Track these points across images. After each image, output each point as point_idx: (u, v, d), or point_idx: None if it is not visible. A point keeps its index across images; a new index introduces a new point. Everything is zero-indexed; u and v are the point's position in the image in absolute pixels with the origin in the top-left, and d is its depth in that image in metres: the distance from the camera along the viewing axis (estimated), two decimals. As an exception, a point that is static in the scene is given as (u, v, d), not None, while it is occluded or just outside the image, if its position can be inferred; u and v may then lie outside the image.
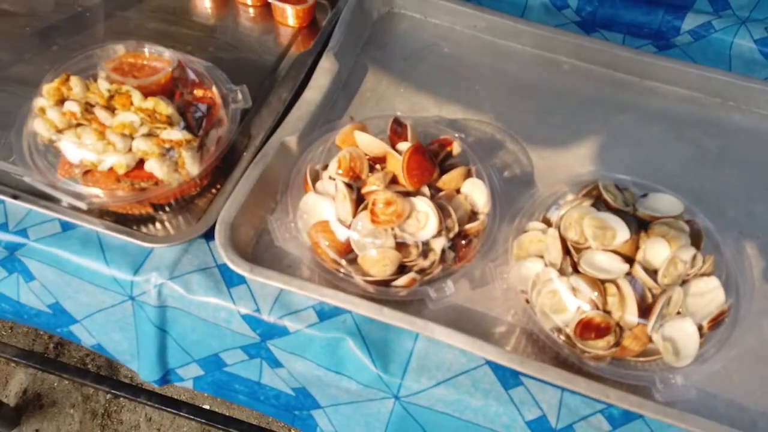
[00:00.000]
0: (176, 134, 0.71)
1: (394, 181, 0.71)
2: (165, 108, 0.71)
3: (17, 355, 1.39)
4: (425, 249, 0.68)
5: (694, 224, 0.71)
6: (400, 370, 0.68)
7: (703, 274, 0.67)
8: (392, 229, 0.68)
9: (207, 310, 0.71)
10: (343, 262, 0.69)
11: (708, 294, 0.66)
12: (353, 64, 0.94)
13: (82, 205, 0.71)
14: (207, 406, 1.60)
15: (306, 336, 0.70)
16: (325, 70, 0.87)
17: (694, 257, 0.67)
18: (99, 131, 0.71)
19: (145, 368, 0.80)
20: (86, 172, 0.74)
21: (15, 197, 0.73)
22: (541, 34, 0.98)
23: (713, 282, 0.67)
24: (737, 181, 0.88)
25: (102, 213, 0.75)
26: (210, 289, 0.71)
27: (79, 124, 0.73)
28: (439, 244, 0.68)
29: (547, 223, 0.73)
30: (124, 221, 0.75)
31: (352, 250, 0.69)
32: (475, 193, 0.73)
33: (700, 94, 0.97)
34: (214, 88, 0.79)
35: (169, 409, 1.31)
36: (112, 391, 1.33)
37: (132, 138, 0.72)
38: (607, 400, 0.63)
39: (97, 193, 0.72)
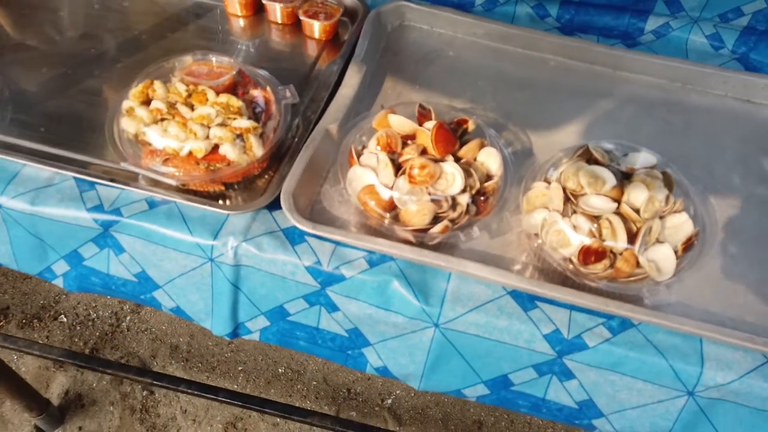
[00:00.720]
0: (245, 122, 0.88)
1: (424, 152, 0.88)
2: (236, 102, 0.88)
3: (63, 355, 1.52)
4: (453, 203, 0.85)
5: (667, 174, 0.89)
6: (439, 302, 0.84)
7: (675, 211, 0.85)
8: (426, 187, 0.84)
9: (275, 265, 0.87)
10: (388, 216, 0.85)
11: (680, 225, 0.83)
12: (375, 67, 1.12)
13: (172, 182, 0.86)
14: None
15: (359, 281, 0.85)
16: (355, 72, 1.04)
17: (668, 197, 0.84)
18: (182, 123, 0.87)
19: (218, 324, 0.94)
20: (166, 159, 0.90)
21: (112, 180, 0.89)
22: (530, 36, 1.17)
23: (684, 216, 0.84)
24: (699, 147, 1.06)
25: (181, 191, 0.90)
26: (278, 248, 0.86)
27: (163, 119, 0.89)
28: (464, 198, 0.85)
29: (548, 182, 0.90)
30: (201, 197, 0.90)
31: (394, 208, 0.85)
32: (489, 160, 0.90)
33: (664, 80, 1.16)
34: (268, 88, 0.96)
35: (207, 395, 1.44)
36: (154, 382, 1.46)
37: (209, 127, 0.88)
38: (606, 309, 0.79)
39: (179, 174, 0.87)
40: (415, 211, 0.82)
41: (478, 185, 0.86)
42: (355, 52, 1.08)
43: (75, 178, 0.92)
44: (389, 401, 1.74)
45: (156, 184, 0.91)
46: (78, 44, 1.13)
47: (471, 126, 0.94)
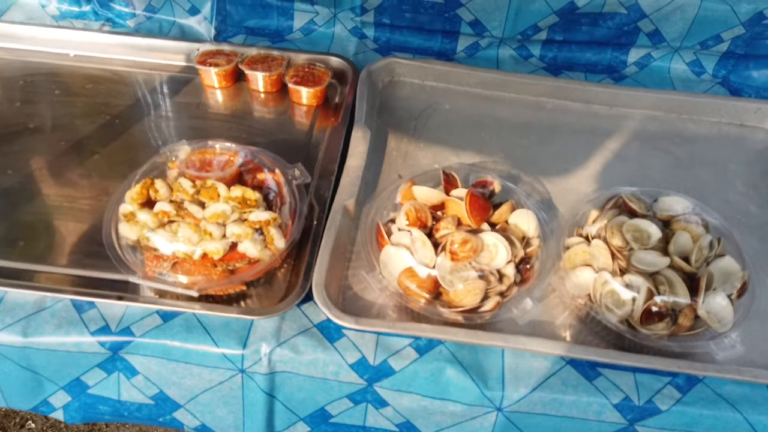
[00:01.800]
0: (263, 215, 0.80)
1: (459, 223, 0.83)
2: (252, 194, 0.80)
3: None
4: (500, 276, 0.80)
5: (701, 216, 0.87)
6: (499, 385, 0.78)
7: (718, 255, 0.83)
8: (470, 263, 0.79)
9: (316, 367, 0.78)
10: (430, 297, 0.79)
11: (726, 269, 0.81)
12: (375, 129, 1.06)
13: (193, 293, 0.77)
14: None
15: (410, 372, 0.78)
16: (360, 139, 0.98)
17: (711, 243, 0.82)
18: (194, 224, 0.78)
19: (252, 437, 0.85)
20: (174, 264, 0.81)
21: (120, 298, 0.78)
22: (522, 82, 1.15)
23: (728, 259, 0.82)
24: (710, 178, 1.06)
25: (195, 298, 0.81)
26: (316, 347, 0.78)
27: (171, 221, 0.80)
28: (510, 270, 0.80)
29: (584, 237, 0.87)
30: (218, 302, 0.81)
31: (437, 288, 0.79)
32: (523, 221, 0.85)
33: (659, 112, 1.16)
34: (277, 170, 0.88)
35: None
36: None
37: (224, 225, 0.79)
38: (678, 370, 0.75)
39: (198, 281, 0.78)
40: (465, 291, 0.77)
41: (522, 254, 0.81)
42: (355, 117, 1.02)
43: (70, 299, 0.81)
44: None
45: (164, 293, 0.81)
46: (45, 137, 1.02)
47: (497, 187, 0.89)
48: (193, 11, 1.28)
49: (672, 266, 0.80)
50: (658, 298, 0.77)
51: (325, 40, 1.28)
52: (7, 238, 0.88)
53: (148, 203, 0.82)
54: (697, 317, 0.78)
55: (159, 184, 0.81)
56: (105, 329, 0.79)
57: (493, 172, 0.92)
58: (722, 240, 0.84)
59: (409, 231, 0.82)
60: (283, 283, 0.85)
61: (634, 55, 1.28)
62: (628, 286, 0.79)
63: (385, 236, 0.83)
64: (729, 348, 0.76)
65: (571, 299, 0.84)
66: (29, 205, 0.92)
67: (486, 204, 0.84)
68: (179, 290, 0.77)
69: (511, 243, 0.81)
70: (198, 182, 0.81)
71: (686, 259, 0.80)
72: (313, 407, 0.83)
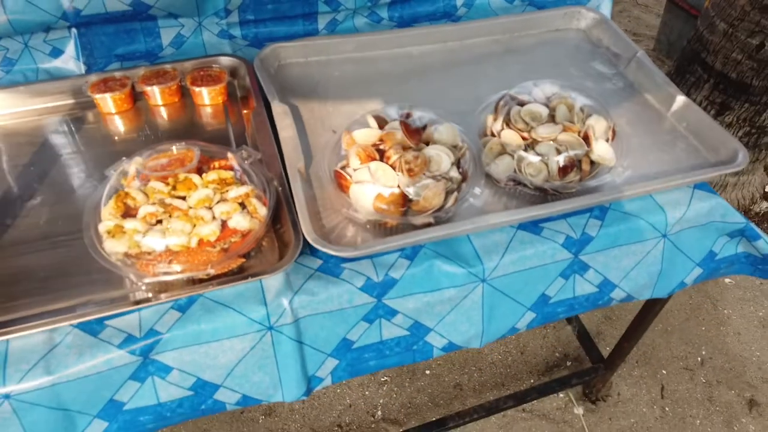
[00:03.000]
0: (242, 189, 0.88)
1: (404, 148, 0.98)
2: (227, 174, 0.87)
3: None
4: (449, 177, 0.97)
5: (567, 92, 1.12)
6: (477, 261, 0.95)
7: (588, 115, 1.08)
8: (424, 174, 0.95)
9: (332, 300, 0.89)
10: (405, 211, 0.94)
11: (598, 123, 1.07)
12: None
13: (210, 271, 0.83)
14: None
15: (408, 276, 0.93)
16: (283, 114, 1.09)
17: (581, 107, 1.07)
18: (184, 214, 0.84)
19: (290, 390, 0.93)
20: (171, 260, 0.86)
21: (136, 304, 0.82)
22: (391, 37, 1.33)
23: (595, 117, 1.08)
24: (551, 72, 1.32)
25: (198, 283, 0.86)
26: (327, 285, 0.89)
27: (158, 221, 0.84)
28: (455, 171, 0.98)
29: (493, 134, 1.07)
30: (220, 279, 0.88)
31: (406, 203, 0.94)
32: (446, 134, 1.03)
33: (498, 35, 1.41)
34: (229, 154, 0.96)
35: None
36: None
37: (211, 208, 0.86)
38: (596, 201, 0.99)
39: (210, 267, 0.84)
40: (431, 194, 0.92)
41: (454, 157, 0.99)
42: (269, 98, 1.12)
43: (75, 326, 0.82)
44: (379, 413, 1.79)
45: (165, 289, 0.86)
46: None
47: (415, 115, 1.06)
48: (56, 53, 1.27)
49: (564, 130, 1.03)
50: (564, 155, 0.99)
51: (198, 48, 1.34)
52: (-22, 300, 0.85)
53: (127, 214, 0.85)
54: (592, 163, 1.02)
55: (134, 192, 0.85)
56: (130, 338, 0.82)
57: (401, 108, 1.09)
58: (586, 105, 1.10)
59: (366, 166, 0.96)
60: (271, 247, 0.94)
61: (460, -2, 1.52)
62: (540, 155, 1.01)
63: (348, 177, 0.96)
64: (621, 174, 1.02)
65: (502, 181, 1.03)
66: (-16, 265, 0.90)
67: (416, 128, 1.00)
68: (194, 274, 0.83)
69: (448, 150, 0.98)
70: (170, 180, 0.87)
71: (570, 123, 1.04)
72: (337, 340, 0.94)
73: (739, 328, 1.98)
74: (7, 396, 0.77)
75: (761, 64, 1.94)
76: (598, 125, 1.05)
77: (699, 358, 1.89)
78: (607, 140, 1.05)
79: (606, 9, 1.58)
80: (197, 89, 1.16)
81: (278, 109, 1.10)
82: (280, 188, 0.97)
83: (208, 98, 1.18)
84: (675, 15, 3.06)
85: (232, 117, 1.17)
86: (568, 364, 1.88)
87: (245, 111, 1.18)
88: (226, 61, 1.23)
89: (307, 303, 0.88)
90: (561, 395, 1.80)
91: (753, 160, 2.28)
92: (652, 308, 1.38)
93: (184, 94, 1.20)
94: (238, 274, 0.89)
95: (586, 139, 1.02)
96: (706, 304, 2.04)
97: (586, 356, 1.86)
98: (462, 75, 1.31)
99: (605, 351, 1.86)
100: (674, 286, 1.12)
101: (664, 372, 1.86)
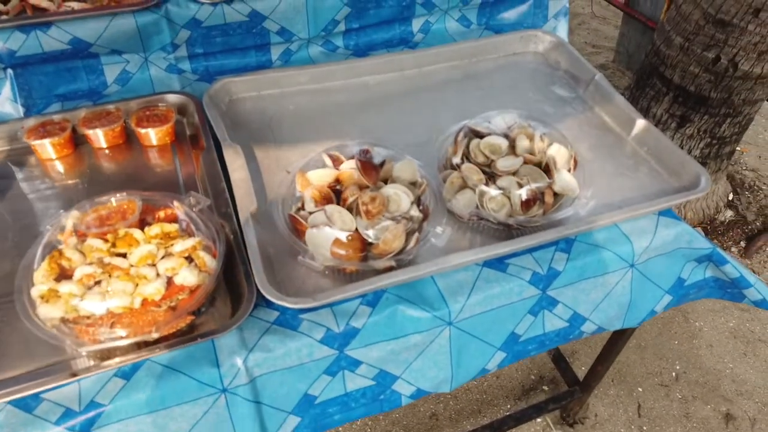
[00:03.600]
0: (189, 242, 0.83)
1: (360, 188, 0.94)
2: (170, 227, 0.82)
3: None
4: (409, 217, 0.93)
5: (526, 121, 1.09)
6: (442, 303, 0.91)
7: (549, 145, 1.06)
8: (383, 216, 0.91)
9: (290, 356, 0.84)
10: (364, 256, 0.89)
11: (559, 152, 1.04)
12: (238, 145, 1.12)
13: (154, 335, 0.77)
14: None
15: (370, 324, 0.88)
16: (234, 155, 1.03)
17: (542, 137, 1.05)
18: (125, 274, 0.78)
19: (250, 452, 0.87)
20: (113, 323, 0.80)
21: (74, 375, 0.75)
22: (345, 67, 1.29)
23: (556, 146, 1.05)
24: (510, 97, 1.30)
25: (145, 346, 0.80)
26: (284, 339, 0.84)
27: (97, 282, 0.78)
28: (414, 210, 0.94)
29: (453, 167, 1.04)
30: (170, 339, 0.82)
31: (366, 247, 0.90)
32: (405, 170, 0.99)
33: (456, 61, 1.39)
34: (175, 202, 0.90)
35: None
36: None
37: (154, 265, 0.80)
38: (562, 235, 0.96)
39: (155, 329, 0.78)
40: (391, 237, 0.88)
41: (415, 195, 0.95)
42: (219, 137, 1.07)
43: (9, 402, 0.75)
44: (354, 450, 1.73)
45: (108, 355, 0.80)
46: None
47: (373, 152, 1.02)
48: (-10, 95, 1.19)
49: (525, 162, 1.00)
50: (526, 188, 0.96)
51: (145, 85, 1.29)
52: None
53: (63, 276, 0.79)
54: (555, 194, 1.00)
55: (69, 252, 0.79)
56: (69, 413, 0.75)
57: (359, 144, 1.05)
58: (547, 133, 1.07)
59: (321, 209, 0.91)
60: (223, 300, 0.88)
61: (416, 24, 1.49)
62: (501, 188, 0.98)
63: (303, 222, 0.91)
64: (585, 205, 0.99)
65: (464, 217, 1.00)
66: None
67: (373, 165, 0.96)
68: (138, 338, 0.77)
69: (407, 189, 0.95)
70: (109, 236, 0.81)
71: (531, 154, 1.01)
72: (298, 396, 0.88)
73: (711, 340, 1.98)
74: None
75: (718, 77, 1.97)
76: (559, 155, 1.03)
77: (674, 374, 1.88)
78: (569, 170, 1.03)
79: (563, 31, 1.58)
80: (143, 130, 1.10)
81: (229, 150, 1.04)
82: (231, 236, 0.92)
83: (155, 139, 1.12)
84: (632, 27, 3.11)
85: (181, 158, 1.11)
86: (545, 387, 1.85)
87: (195, 151, 1.12)
88: (173, 98, 1.18)
89: (262, 360, 0.83)
90: (539, 420, 1.76)
91: (715, 170, 2.30)
92: (622, 334, 1.36)
93: (130, 135, 1.14)
94: (188, 333, 0.83)
95: (547, 170, 1.00)
96: (678, 317, 2.04)
97: (562, 378, 1.83)
98: (421, 103, 1.28)
99: (580, 371, 1.84)
100: (644, 316, 1.09)
101: (639, 390, 1.84)
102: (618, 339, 1.43)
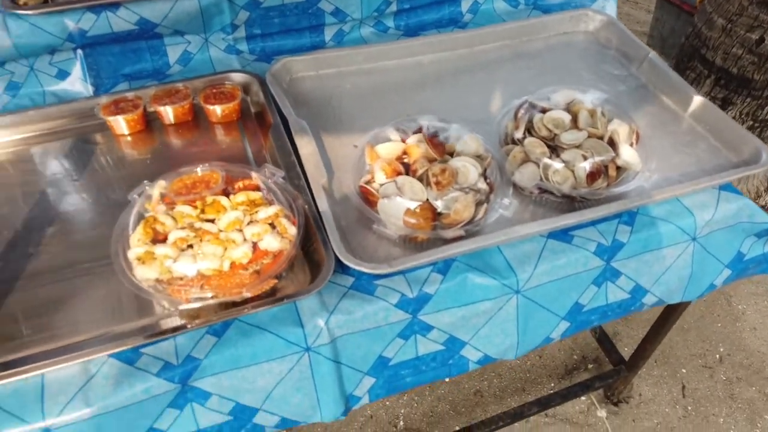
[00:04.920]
0: (271, 209, 0.86)
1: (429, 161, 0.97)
2: (255, 195, 0.86)
3: None
4: (477, 189, 0.96)
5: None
6: (511, 272, 0.94)
7: (609, 120, 1.07)
8: (452, 187, 0.93)
9: (368, 319, 0.88)
10: (435, 225, 0.92)
11: (619, 127, 1.06)
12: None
13: (246, 294, 0.81)
14: None
15: (442, 291, 0.91)
16: (301, 130, 1.07)
17: (602, 112, 1.06)
18: (215, 238, 0.82)
19: (328, 410, 0.91)
20: (203, 285, 0.84)
21: (173, 331, 0.80)
22: (400, 47, 1.32)
23: (617, 122, 1.07)
24: (563, 75, 1.32)
25: (231, 306, 0.84)
26: (362, 303, 0.87)
27: (189, 246, 0.82)
28: (482, 182, 0.96)
29: (515, 142, 1.06)
30: (255, 301, 0.86)
31: (437, 217, 0.93)
32: (470, 144, 1.02)
33: (507, 41, 1.41)
34: (253, 174, 0.94)
35: None
36: None
37: (241, 230, 0.84)
38: (626, 207, 0.98)
39: (245, 290, 0.82)
40: (462, 207, 0.91)
41: (482, 169, 0.98)
42: (285, 114, 1.10)
43: (112, 355, 0.80)
44: (401, 423, 1.77)
45: (197, 314, 0.84)
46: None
47: (437, 126, 1.05)
48: (62, 75, 1.24)
49: (588, 136, 1.02)
50: (590, 161, 0.98)
51: (205, 65, 1.32)
52: (7, 332, 0.83)
53: (157, 240, 0.83)
54: (618, 168, 1.02)
55: (162, 217, 0.83)
56: (168, 366, 0.80)
57: (423, 119, 1.07)
58: (606, 108, 1.09)
59: (392, 181, 0.94)
60: (301, 267, 0.92)
61: (465, 4, 1.51)
62: (565, 162, 1.00)
63: (375, 192, 0.94)
64: (648, 178, 1.01)
65: (528, 189, 1.02)
66: (12, 296, 0.87)
67: (440, 141, 0.99)
68: (230, 298, 0.81)
69: (474, 161, 0.97)
70: (198, 203, 0.85)
71: (594, 128, 1.03)
72: (373, 358, 0.92)
73: (755, 324, 1.98)
74: (47, 430, 0.75)
75: (762, 59, 1.96)
76: (621, 129, 1.05)
77: (717, 356, 1.89)
78: (631, 144, 1.04)
79: (611, 9, 1.58)
80: (211, 107, 1.14)
81: (296, 125, 1.08)
82: (306, 206, 0.95)
83: (221, 116, 1.16)
84: (667, 11, 3.08)
85: (248, 134, 1.15)
86: (589, 366, 1.87)
87: (261, 128, 1.16)
88: (237, 77, 1.21)
89: (343, 322, 0.86)
90: (583, 398, 1.78)
91: (755, 153, 2.29)
92: (675, 309, 1.37)
93: (197, 112, 1.18)
94: (271, 296, 0.87)
95: (611, 144, 1.01)
96: (721, 300, 2.04)
97: (606, 358, 1.85)
98: (474, 81, 1.30)
99: (623, 351, 1.85)
100: (704, 289, 1.11)
101: (683, 371, 1.85)
102: (667, 318, 1.44)
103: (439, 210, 0.92)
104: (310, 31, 1.39)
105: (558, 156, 1.01)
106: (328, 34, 1.41)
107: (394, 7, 1.43)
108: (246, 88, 1.22)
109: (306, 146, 1.05)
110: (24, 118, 1.12)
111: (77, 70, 1.24)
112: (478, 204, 0.94)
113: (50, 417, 0.75)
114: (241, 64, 1.33)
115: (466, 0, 1.51)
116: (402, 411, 1.79)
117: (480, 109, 1.23)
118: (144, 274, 0.81)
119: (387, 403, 1.79)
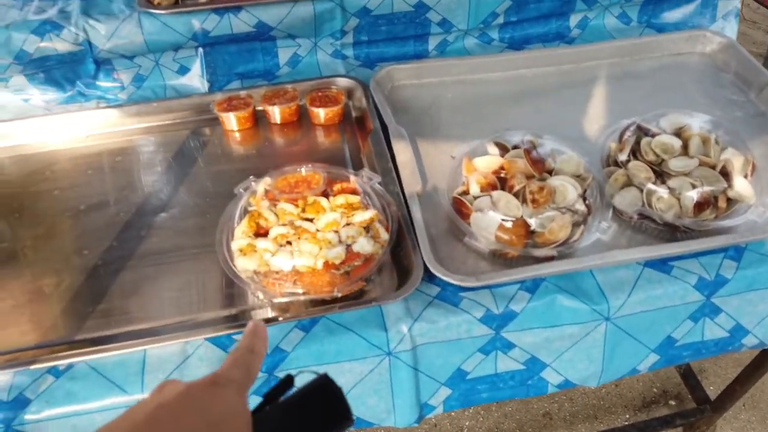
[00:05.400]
0: (368, 214, 0.89)
1: (528, 178, 0.96)
2: (354, 199, 0.89)
3: None
4: (574, 210, 0.94)
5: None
6: (602, 298, 0.91)
7: (723, 148, 1.02)
8: (548, 206, 0.92)
9: (450, 330, 0.88)
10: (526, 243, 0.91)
11: (733, 157, 1.00)
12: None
13: (336, 294, 0.84)
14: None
15: (528, 310, 0.90)
16: (400, 137, 1.09)
17: (716, 139, 1.01)
18: (313, 237, 0.86)
19: (403, 415, 0.92)
20: (295, 281, 0.88)
21: (268, 322, 0.84)
22: (504, 59, 1.32)
23: (731, 150, 1.01)
24: (675, 99, 1.26)
25: (319, 304, 0.88)
26: (446, 314, 0.88)
27: (288, 242, 0.87)
28: (580, 203, 0.94)
29: (618, 165, 1.03)
30: (341, 302, 0.89)
31: (528, 234, 0.92)
32: (569, 163, 1.00)
33: (616, 58, 1.36)
34: (351, 177, 0.97)
35: None
36: None
37: (337, 232, 0.87)
38: (734, 242, 0.92)
39: (337, 289, 0.85)
40: (558, 227, 0.90)
41: (581, 189, 0.96)
42: (385, 120, 1.13)
43: (208, 339, 0.86)
44: (467, 438, 1.76)
45: (285, 309, 0.88)
46: (102, 214, 1.04)
47: (536, 144, 1.04)
48: (183, 71, 1.33)
49: (699, 164, 0.97)
50: (698, 190, 0.94)
51: (312, 68, 1.38)
52: (117, 307, 0.90)
53: (259, 234, 0.88)
54: (729, 200, 0.96)
55: (266, 213, 0.87)
56: (257, 355, 0.84)
57: (522, 134, 1.06)
58: (721, 135, 1.03)
59: (488, 194, 0.94)
60: (389, 272, 0.94)
61: (573, 19, 1.48)
62: (671, 189, 0.96)
63: (468, 204, 0.94)
64: (762, 214, 0.95)
65: (628, 214, 0.99)
66: (122, 274, 0.95)
67: (539, 156, 0.98)
68: (321, 296, 0.84)
69: (574, 181, 0.95)
70: (300, 202, 0.89)
71: (706, 156, 0.98)
72: (451, 369, 0.92)
73: None
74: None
75: None
76: (735, 159, 0.99)
77: (817, 408, 1.74)
78: (746, 176, 0.98)
79: (731, 31, 1.50)
80: (315, 110, 1.19)
81: (396, 132, 1.10)
82: (399, 213, 0.97)
83: (324, 118, 1.20)
84: (793, 33, 2.85)
85: (348, 137, 1.19)
86: (670, 402, 1.78)
87: (360, 132, 1.19)
88: (342, 82, 1.26)
89: (426, 330, 0.87)
90: (662, 435, 1.70)
91: None
92: (775, 354, 1.28)
93: (302, 113, 1.23)
94: (359, 297, 0.90)
95: (723, 174, 0.96)
96: (828, 349, 1.87)
97: (689, 395, 1.75)
98: (578, 98, 1.27)
99: (709, 390, 1.74)
100: (815, 336, 1.03)
101: (776, 419, 1.72)
102: (764, 361, 1.35)
103: (533, 228, 0.91)
104: (414, 39, 1.41)
105: (663, 182, 0.97)
106: (432, 43, 1.42)
107: (501, 20, 1.43)
108: (349, 93, 1.26)
109: (403, 153, 1.07)
110: (148, 109, 1.22)
111: (196, 67, 1.33)
112: (575, 225, 0.92)
113: (149, 390, 0.81)
114: (345, 68, 1.37)
115: (576, 15, 1.48)
116: (467, 423, 1.78)
117: (580, 126, 1.20)
118: (244, 265, 0.86)
119: (452, 413, 1.79)
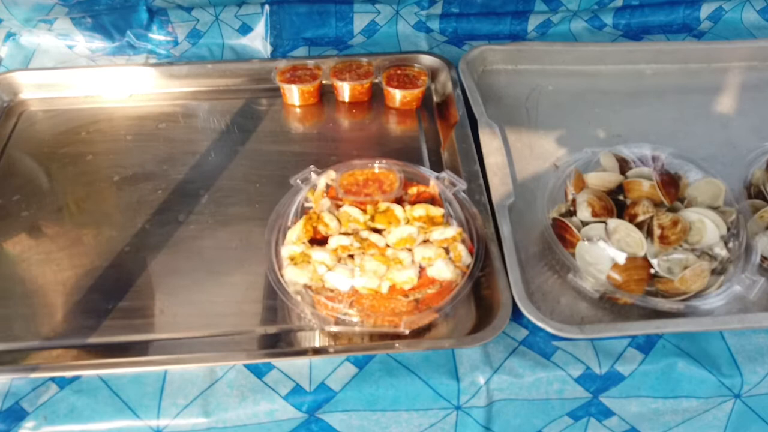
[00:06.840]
0: (449, 231, 0.71)
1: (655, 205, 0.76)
2: (437, 211, 0.71)
3: None
4: (711, 254, 0.74)
5: None
6: (734, 370, 0.71)
7: None
8: (680, 245, 0.72)
9: (538, 388, 0.70)
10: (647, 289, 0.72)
11: None
12: (491, 122, 0.99)
13: (404, 331, 0.67)
14: None
15: (639, 374, 0.71)
16: (490, 135, 0.90)
17: None
18: (381, 254, 0.69)
19: (463, 478, 0.76)
20: (352, 302, 0.71)
21: (316, 352, 0.69)
22: (623, 50, 1.10)
23: None
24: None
25: (384, 337, 0.71)
26: (535, 367, 0.70)
27: (350, 256, 0.70)
28: (721, 248, 0.74)
29: (760, 197, 0.82)
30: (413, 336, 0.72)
31: (650, 278, 0.72)
32: (705, 191, 0.79)
33: (756, 62, 1.13)
34: (431, 182, 0.79)
35: None
36: None
37: (411, 250, 0.70)
38: None
39: (406, 321, 0.68)
40: (692, 275, 0.70)
41: (725, 228, 0.75)
42: (475, 113, 0.94)
43: (243, 363, 0.70)
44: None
45: (337, 338, 0.72)
46: (137, 189, 0.90)
47: (664, 159, 0.83)
48: (245, 30, 1.17)
49: None
50: None
51: (390, 39, 1.20)
52: (139, 308, 0.76)
53: (315, 241, 0.72)
54: None
55: (327, 217, 0.71)
56: (298, 390, 0.68)
57: (650, 148, 0.86)
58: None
59: (602, 221, 0.75)
60: (465, 304, 0.77)
61: (705, 10, 1.24)
62: (843, 240, 0.74)
63: (575, 230, 0.75)
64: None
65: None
66: (151, 266, 0.81)
67: (674, 179, 0.78)
68: (382, 330, 0.68)
69: (717, 217, 0.75)
70: (369, 208, 0.72)
71: None
72: (530, 431, 0.75)
73: None
74: (158, 431, 0.67)
75: None
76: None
77: None
78: None
79: None
80: (392, 90, 1.01)
81: (486, 128, 0.91)
82: (484, 230, 0.79)
83: (400, 102, 1.02)
84: None
85: (425, 127, 1.01)
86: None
87: (441, 122, 1.01)
88: (427, 60, 1.07)
89: (507, 385, 0.70)
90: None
91: None
92: None
93: (375, 93, 1.05)
94: (427, 331, 0.73)
95: None
96: None
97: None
98: (707, 106, 1.05)
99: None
100: None
101: None
102: None
103: (656, 271, 0.72)
104: (512, 16, 1.21)
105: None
106: (533, 23, 1.22)
107: (619, 2, 1.20)
108: (433, 74, 1.07)
109: (493, 154, 0.88)
110: (201, 71, 1.07)
111: (260, 27, 1.17)
112: (713, 274, 0.72)
113: (165, 417, 0.66)
114: (428, 43, 1.18)
115: (709, 4, 1.24)
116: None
117: (709, 142, 0.98)
118: (294, 277, 0.70)
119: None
